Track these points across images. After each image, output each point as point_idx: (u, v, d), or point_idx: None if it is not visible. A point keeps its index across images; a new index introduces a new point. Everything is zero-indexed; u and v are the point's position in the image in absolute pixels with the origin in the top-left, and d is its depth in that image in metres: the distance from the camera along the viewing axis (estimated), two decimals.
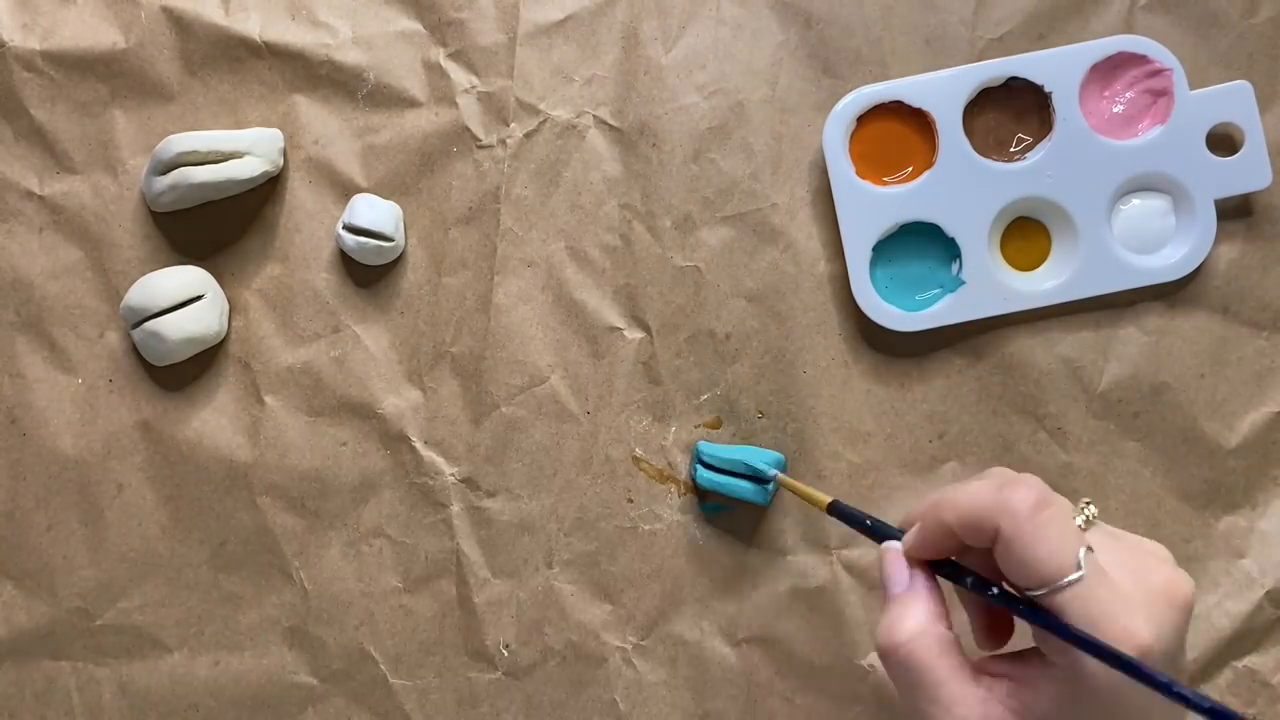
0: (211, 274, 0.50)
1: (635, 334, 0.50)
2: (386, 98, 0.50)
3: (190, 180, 0.48)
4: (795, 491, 0.44)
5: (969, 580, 0.36)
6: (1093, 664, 0.32)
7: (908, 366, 0.49)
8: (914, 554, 0.38)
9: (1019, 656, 0.36)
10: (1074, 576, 0.32)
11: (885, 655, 0.36)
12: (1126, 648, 0.31)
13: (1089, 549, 0.33)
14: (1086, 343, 0.49)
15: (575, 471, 0.50)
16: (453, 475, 0.50)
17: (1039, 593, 0.33)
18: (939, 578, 0.38)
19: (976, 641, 0.40)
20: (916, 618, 0.36)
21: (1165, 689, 0.30)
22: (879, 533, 0.40)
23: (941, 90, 0.48)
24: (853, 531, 0.49)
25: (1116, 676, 0.32)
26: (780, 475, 0.46)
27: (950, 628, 0.36)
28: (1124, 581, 0.33)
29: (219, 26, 0.50)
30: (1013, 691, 0.34)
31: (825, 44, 0.50)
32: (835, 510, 0.42)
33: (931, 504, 0.37)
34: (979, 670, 0.35)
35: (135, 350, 0.50)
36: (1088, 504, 0.37)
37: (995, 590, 0.35)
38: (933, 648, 0.35)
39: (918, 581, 0.37)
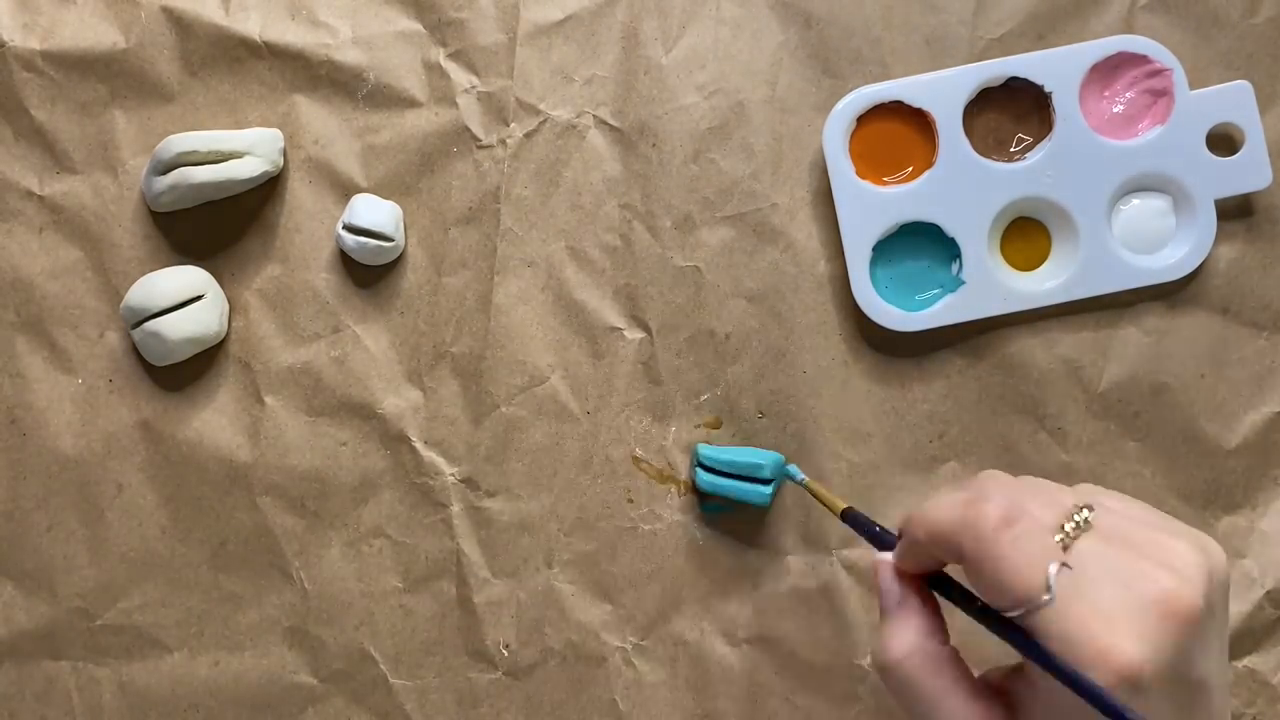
0: (211, 274, 0.50)
1: (635, 334, 0.50)
2: (386, 98, 0.50)
3: (190, 180, 0.48)
4: (816, 494, 0.44)
5: (953, 594, 0.36)
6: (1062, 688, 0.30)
7: (908, 367, 0.49)
8: (901, 567, 0.37)
9: (1017, 671, 0.35)
10: (1044, 599, 0.31)
11: (881, 673, 0.36)
12: (1105, 668, 0.29)
13: (1063, 565, 0.31)
14: (1086, 343, 0.49)
15: (575, 471, 0.50)
16: (453, 475, 0.50)
17: (1014, 614, 0.31)
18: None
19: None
20: (909, 635, 0.35)
21: (1117, 716, 0.29)
22: (884, 542, 0.39)
23: (941, 90, 0.48)
24: (854, 532, 0.49)
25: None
26: (806, 479, 0.46)
27: (945, 642, 0.36)
28: (1111, 595, 0.31)
29: (219, 26, 0.50)
30: (1010, 708, 0.34)
31: (825, 44, 0.50)
32: (848, 517, 0.42)
33: (906, 519, 0.36)
34: (982, 684, 0.35)
35: (135, 350, 0.50)
36: (1083, 508, 0.34)
37: (977, 606, 0.34)
38: (926, 665, 0.35)
39: (909, 597, 0.37)
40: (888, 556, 0.38)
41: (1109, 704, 0.29)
